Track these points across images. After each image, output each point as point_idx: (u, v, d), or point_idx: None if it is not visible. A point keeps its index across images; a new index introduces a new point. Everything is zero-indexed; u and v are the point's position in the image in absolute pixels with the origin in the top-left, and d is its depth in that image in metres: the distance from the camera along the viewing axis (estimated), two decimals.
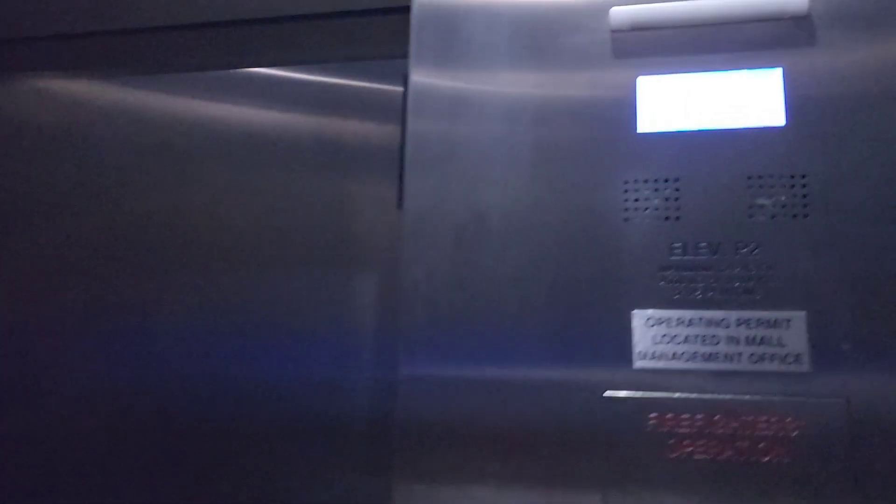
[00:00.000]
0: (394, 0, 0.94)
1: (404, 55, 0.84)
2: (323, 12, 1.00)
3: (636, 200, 0.75)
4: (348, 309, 1.00)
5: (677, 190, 0.74)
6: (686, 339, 0.71)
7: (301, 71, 1.06)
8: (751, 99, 0.74)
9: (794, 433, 0.67)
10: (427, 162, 0.81)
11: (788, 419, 0.67)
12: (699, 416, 0.69)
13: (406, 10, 0.86)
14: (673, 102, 0.76)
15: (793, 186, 0.72)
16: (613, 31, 0.79)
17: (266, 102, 1.08)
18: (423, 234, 0.79)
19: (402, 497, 0.74)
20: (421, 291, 0.78)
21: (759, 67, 0.75)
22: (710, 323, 0.71)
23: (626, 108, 0.77)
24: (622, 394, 0.71)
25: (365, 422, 0.97)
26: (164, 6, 1.04)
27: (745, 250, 0.71)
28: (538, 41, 0.81)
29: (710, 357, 0.70)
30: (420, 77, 0.83)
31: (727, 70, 0.76)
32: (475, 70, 0.82)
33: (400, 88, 1.03)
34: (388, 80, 1.05)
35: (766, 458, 0.67)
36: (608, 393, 0.72)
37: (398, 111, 0.99)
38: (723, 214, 0.73)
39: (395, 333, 0.78)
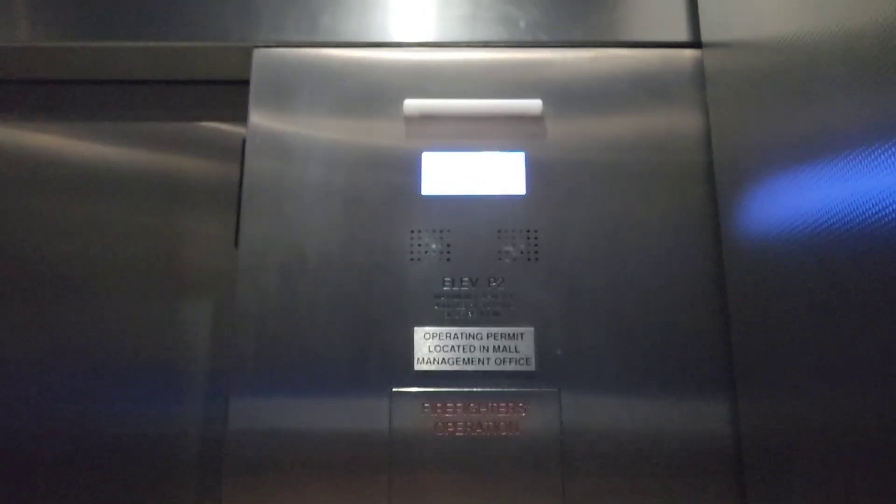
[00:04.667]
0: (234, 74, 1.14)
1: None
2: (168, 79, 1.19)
3: (419, 245, 1.00)
4: (182, 342, 1.10)
5: (449, 239, 1.00)
6: (452, 349, 0.96)
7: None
8: (502, 174, 1.03)
9: (523, 415, 0.94)
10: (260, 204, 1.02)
11: (520, 404, 0.94)
12: (459, 405, 0.94)
13: (246, 82, 1.07)
14: (447, 173, 1.03)
15: (528, 238, 1.00)
16: (406, 117, 1.04)
17: (105, 138, 1.20)
18: (255, 268, 0.99)
19: None
20: (252, 315, 0.98)
21: (509, 150, 1.04)
22: (469, 336, 0.97)
23: (414, 175, 1.03)
24: (406, 389, 0.95)
25: (195, 454, 1.07)
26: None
27: (494, 284, 0.99)
28: (349, 125, 1.05)
29: (468, 361, 0.96)
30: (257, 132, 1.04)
31: (487, 151, 1.04)
32: (303, 124, 1.04)
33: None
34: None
35: (504, 434, 0.93)
36: (395, 388, 0.95)
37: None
38: (480, 257, 1.00)
39: (227, 362, 0.97)
